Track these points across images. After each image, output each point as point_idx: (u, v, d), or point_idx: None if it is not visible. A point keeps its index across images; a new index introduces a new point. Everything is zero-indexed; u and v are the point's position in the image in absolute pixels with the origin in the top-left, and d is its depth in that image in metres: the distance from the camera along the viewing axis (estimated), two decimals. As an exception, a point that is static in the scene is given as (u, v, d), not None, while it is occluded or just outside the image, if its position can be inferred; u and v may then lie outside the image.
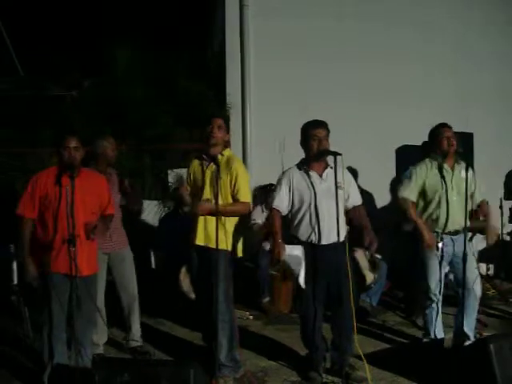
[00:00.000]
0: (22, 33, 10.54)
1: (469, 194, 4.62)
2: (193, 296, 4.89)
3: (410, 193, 4.83)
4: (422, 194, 4.84)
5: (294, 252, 4.40)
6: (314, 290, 4.37)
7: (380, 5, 7.61)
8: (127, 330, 5.00)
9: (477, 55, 7.83)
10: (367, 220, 4.62)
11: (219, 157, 4.32)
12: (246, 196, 4.34)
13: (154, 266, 6.55)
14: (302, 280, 4.42)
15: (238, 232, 4.42)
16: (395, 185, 6.93)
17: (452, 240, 4.75)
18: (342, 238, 4.25)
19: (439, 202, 4.76)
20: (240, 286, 4.83)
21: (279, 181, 4.52)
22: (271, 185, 6.19)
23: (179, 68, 7.71)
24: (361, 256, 6.04)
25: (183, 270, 5.76)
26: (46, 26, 10.55)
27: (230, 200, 4.32)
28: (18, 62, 10.26)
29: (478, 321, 5.25)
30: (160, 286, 6.01)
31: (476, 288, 4.77)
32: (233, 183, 4.30)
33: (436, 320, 4.85)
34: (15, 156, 7.25)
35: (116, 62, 7.65)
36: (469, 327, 4.74)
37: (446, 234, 4.76)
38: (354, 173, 5.43)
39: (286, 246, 4.41)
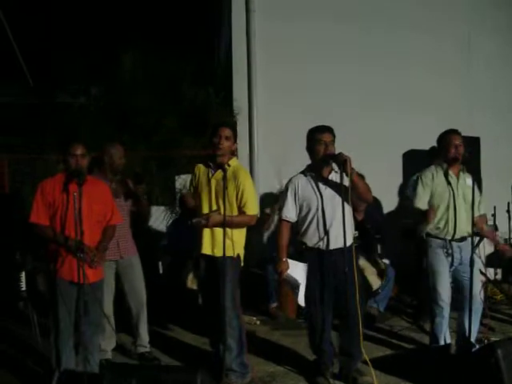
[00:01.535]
0: (30, 41, 10.62)
1: (475, 201, 4.63)
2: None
3: (421, 202, 4.83)
4: (430, 201, 4.83)
5: (294, 272, 4.43)
6: (321, 295, 4.38)
7: (388, 9, 7.61)
8: (135, 336, 5.00)
9: (483, 58, 7.81)
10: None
11: (225, 167, 4.31)
12: (252, 209, 4.37)
13: (161, 271, 6.56)
14: (301, 300, 4.45)
15: (243, 242, 4.46)
16: (402, 190, 6.97)
17: (459, 247, 4.73)
18: (348, 243, 4.26)
19: (447, 209, 4.75)
20: (247, 292, 4.85)
21: (285, 189, 4.54)
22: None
23: (186, 74, 7.75)
24: (366, 263, 6.06)
25: (190, 275, 5.81)
26: (54, 33, 10.63)
27: (235, 211, 4.33)
28: (26, 69, 10.34)
29: (485, 325, 5.23)
30: (168, 291, 6.03)
31: (481, 294, 4.77)
32: (239, 196, 4.31)
33: (446, 326, 4.83)
34: (23, 162, 7.30)
35: (123, 69, 7.70)
36: (473, 334, 4.71)
37: (454, 240, 4.74)
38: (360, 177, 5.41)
39: (289, 260, 4.47)
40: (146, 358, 4.93)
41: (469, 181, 4.67)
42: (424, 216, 4.80)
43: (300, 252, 4.53)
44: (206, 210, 4.34)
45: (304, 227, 4.44)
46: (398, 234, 6.28)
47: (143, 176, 5.35)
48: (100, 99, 8.10)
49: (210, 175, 4.39)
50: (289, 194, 4.46)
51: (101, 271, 4.28)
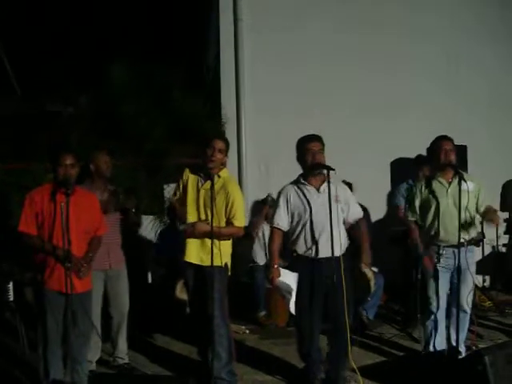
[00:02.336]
0: (18, 50, 10.58)
1: (470, 205, 4.65)
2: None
3: (412, 214, 4.89)
4: (420, 211, 4.87)
5: (286, 279, 4.44)
6: (310, 303, 4.39)
7: (376, 14, 7.63)
8: (114, 347, 4.95)
9: (472, 67, 7.85)
10: (367, 236, 4.62)
11: (216, 178, 4.33)
12: (240, 221, 4.40)
13: (150, 280, 6.54)
14: (292, 307, 4.46)
15: (229, 251, 4.48)
16: (391, 198, 6.98)
17: (454, 253, 4.67)
18: (338, 253, 4.27)
19: (437, 217, 4.75)
20: (236, 301, 4.84)
21: (277, 198, 4.57)
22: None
23: (175, 83, 7.74)
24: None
25: (179, 285, 5.78)
26: (42, 41, 10.59)
27: (222, 222, 4.34)
28: (14, 79, 10.29)
29: (473, 332, 5.25)
30: (156, 301, 6.01)
31: (469, 302, 4.79)
32: (229, 207, 4.34)
33: (437, 332, 4.84)
34: (11, 172, 7.25)
35: (112, 78, 7.68)
36: (461, 341, 4.73)
37: (448, 246, 4.71)
38: (349, 186, 5.42)
39: (281, 269, 4.47)
40: (125, 370, 4.89)
41: (465, 185, 4.58)
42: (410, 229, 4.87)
43: (289, 264, 4.55)
44: (193, 219, 4.36)
45: (294, 236, 4.46)
46: (387, 242, 6.30)
47: (134, 189, 5.36)
48: (90, 108, 8.06)
49: (200, 185, 4.40)
50: (281, 202, 4.49)
51: (88, 282, 4.26)
